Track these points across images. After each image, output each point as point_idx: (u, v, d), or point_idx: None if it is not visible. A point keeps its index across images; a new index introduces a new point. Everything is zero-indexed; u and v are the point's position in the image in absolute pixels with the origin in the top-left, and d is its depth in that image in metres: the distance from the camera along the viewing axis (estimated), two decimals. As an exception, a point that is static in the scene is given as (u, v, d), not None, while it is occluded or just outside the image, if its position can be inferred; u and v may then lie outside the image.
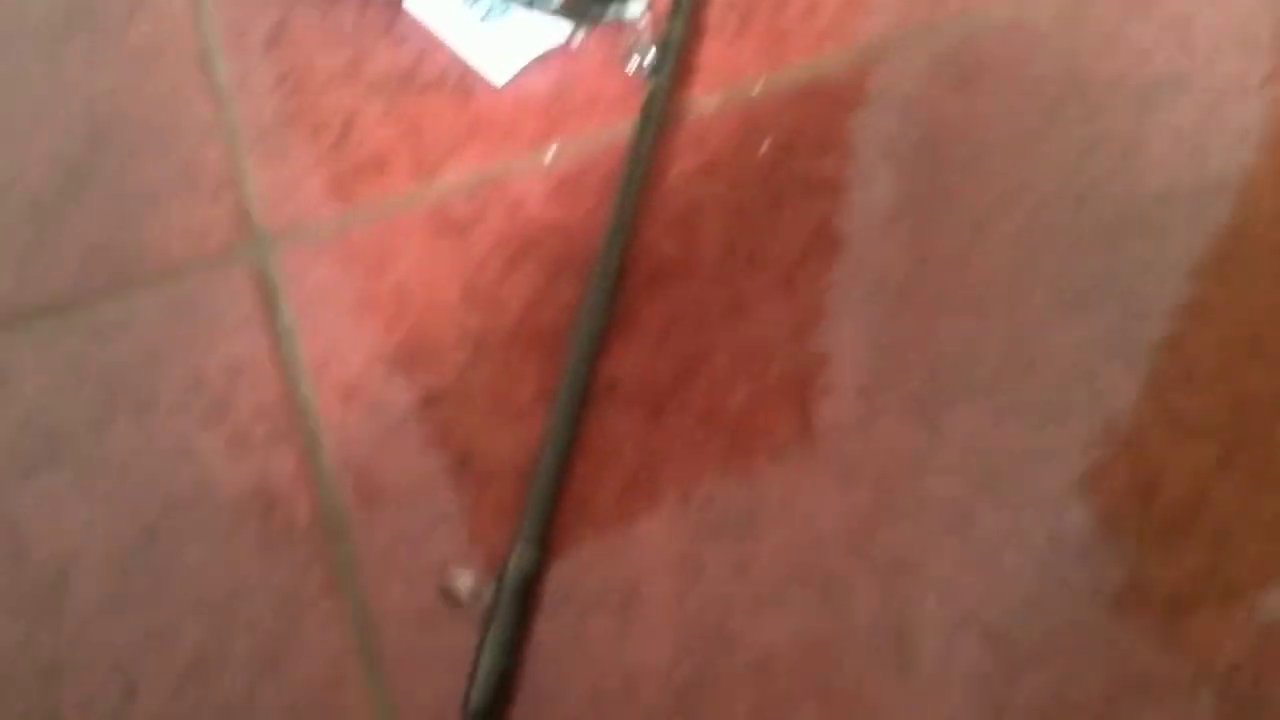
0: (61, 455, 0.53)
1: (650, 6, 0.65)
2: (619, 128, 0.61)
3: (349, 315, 0.56)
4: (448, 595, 0.46)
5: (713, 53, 0.64)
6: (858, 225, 0.57)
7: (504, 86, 0.64)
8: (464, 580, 0.46)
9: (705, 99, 0.62)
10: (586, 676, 0.46)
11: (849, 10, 0.65)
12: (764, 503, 0.49)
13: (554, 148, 0.61)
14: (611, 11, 0.65)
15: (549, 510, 0.48)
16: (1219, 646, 0.46)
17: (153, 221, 0.60)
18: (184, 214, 0.60)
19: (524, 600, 0.47)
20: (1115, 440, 0.50)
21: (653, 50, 0.63)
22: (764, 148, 0.60)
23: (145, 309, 0.57)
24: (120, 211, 0.61)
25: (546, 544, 0.48)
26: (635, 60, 0.63)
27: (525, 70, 0.64)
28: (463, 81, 0.64)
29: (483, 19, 0.66)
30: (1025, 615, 0.46)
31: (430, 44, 0.66)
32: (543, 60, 0.64)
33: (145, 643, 0.47)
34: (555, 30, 0.65)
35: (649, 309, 0.55)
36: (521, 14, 0.66)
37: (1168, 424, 0.51)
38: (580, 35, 0.65)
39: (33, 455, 0.53)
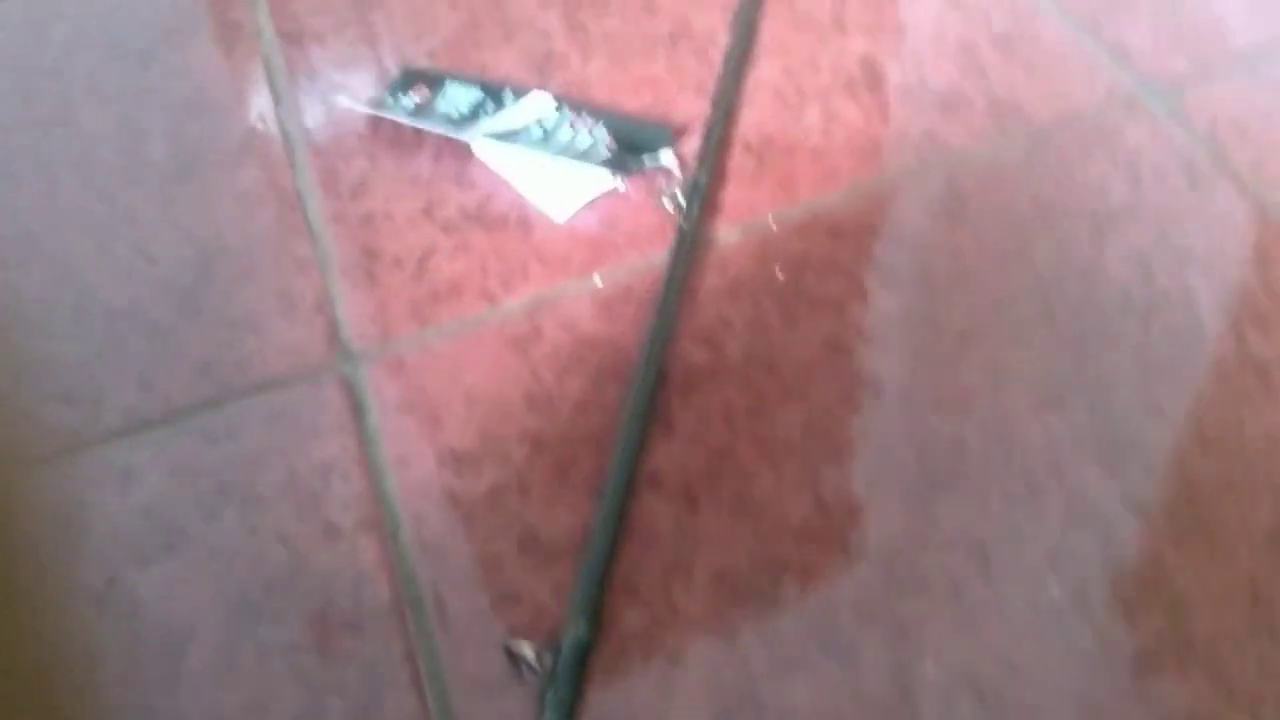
0: (177, 544, 0.56)
1: (679, 160, 0.70)
2: (656, 256, 0.65)
3: (426, 419, 0.60)
4: (512, 664, 0.49)
5: (734, 192, 0.69)
6: (860, 337, 0.61)
7: (561, 221, 0.68)
8: (527, 650, 0.49)
9: (728, 231, 0.67)
10: (635, 735, 0.48)
11: (850, 155, 0.70)
12: (786, 577, 0.52)
13: (601, 273, 0.65)
14: (646, 161, 0.70)
15: (600, 588, 0.51)
16: (1178, 698, 0.48)
17: (255, 341, 0.65)
18: (282, 334, 0.65)
19: (579, 669, 0.49)
20: (1084, 522, 0.53)
21: (682, 192, 0.68)
22: (779, 273, 0.64)
23: (249, 416, 0.61)
24: (226, 333, 0.65)
25: (598, 618, 0.51)
26: (669, 200, 0.68)
27: (579, 208, 0.69)
28: (523, 218, 0.69)
29: (541, 167, 0.71)
30: (1012, 675, 0.49)
31: (496, 185, 0.71)
32: (594, 200, 0.69)
33: (248, 711, 0.50)
34: (603, 176, 0.70)
35: (684, 410, 0.58)
36: (574, 164, 0.71)
37: (1130, 507, 0.54)
38: (623, 180, 0.70)
39: (152, 544, 0.56)
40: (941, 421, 0.57)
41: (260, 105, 0.79)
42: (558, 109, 0.74)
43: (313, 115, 0.78)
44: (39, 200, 0.75)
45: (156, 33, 0.87)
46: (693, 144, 0.72)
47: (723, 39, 0.79)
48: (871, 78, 0.75)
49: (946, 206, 0.67)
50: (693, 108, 0.74)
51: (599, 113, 0.74)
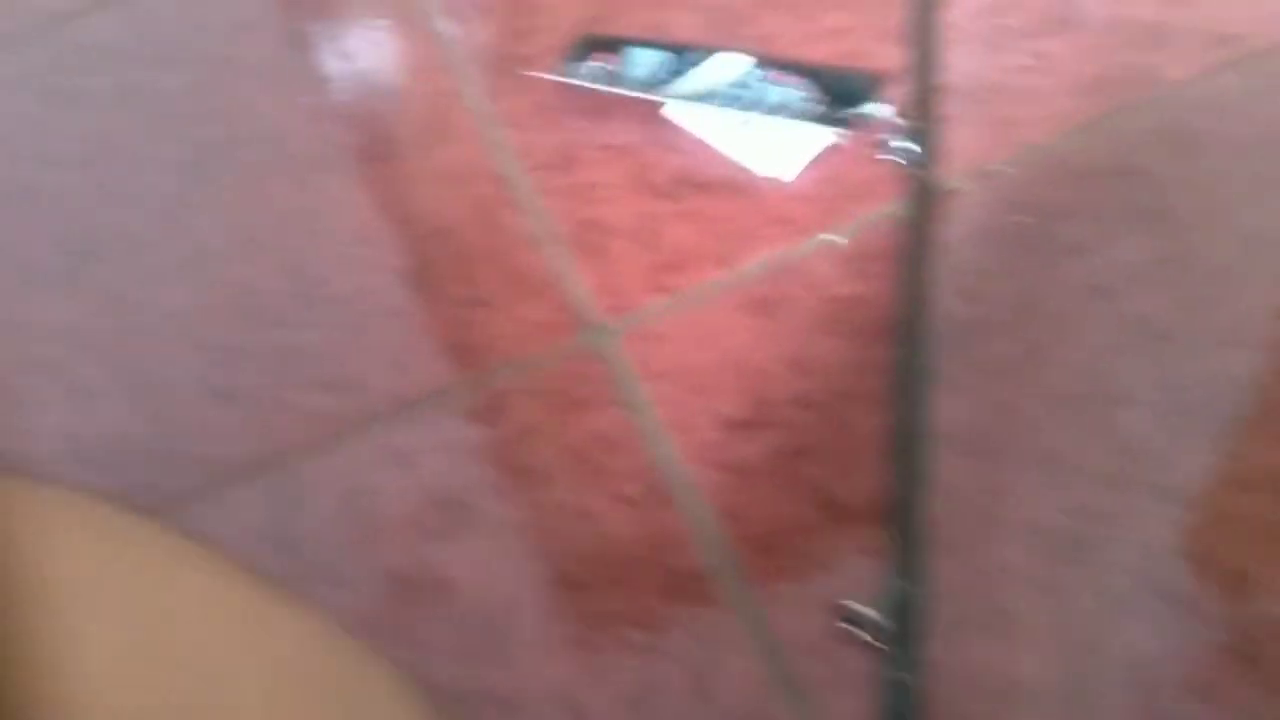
0: (473, 520, 0.56)
1: (893, 108, 0.69)
2: (889, 209, 0.65)
3: (692, 389, 0.59)
4: (850, 625, 0.49)
5: (957, 138, 0.68)
6: (1121, 279, 0.60)
7: (777, 179, 0.68)
8: (862, 612, 0.50)
9: (959, 178, 0.66)
10: (981, 692, 0.48)
11: (1067, 95, 0.69)
12: (1100, 525, 0.52)
13: (836, 230, 0.65)
14: (862, 111, 0.69)
15: (922, 548, 0.51)
16: None
17: (496, 318, 0.64)
18: (522, 311, 0.64)
19: (918, 628, 0.49)
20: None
21: (907, 141, 0.67)
22: (1023, 219, 0.63)
23: (510, 393, 0.61)
24: (465, 312, 0.65)
25: (924, 578, 0.51)
26: (894, 150, 0.67)
27: (796, 165, 0.68)
28: (741, 180, 0.68)
29: (744, 125, 0.71)
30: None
31: (701, 148, 0.70)
32: (809, 157, 0.69)
33: (589, 681, 0.51)
34: (821, 132, 0.69)
35: (956, 365, 0.58)
36: (790, 122, 0.70)
37: None
38: (842, 133, 0.69)
39: (448, 523, 0.57)
40: (1229, 358, 0.57)
41: (442, 84, 0.79)
42: (753, 64, 0.73)
43: (497, 88, 0.77)
44: (242, 193, 0.75)
45: (318, 11, 0.87)
46: (900, 92, 0.71)
47: (906, -17, 0.78)
48: (1076, 14, 0.73)
49: (1177, 142, 0.66)
50: (889, 54, 0.73)
51: (797, 67, 0.73)
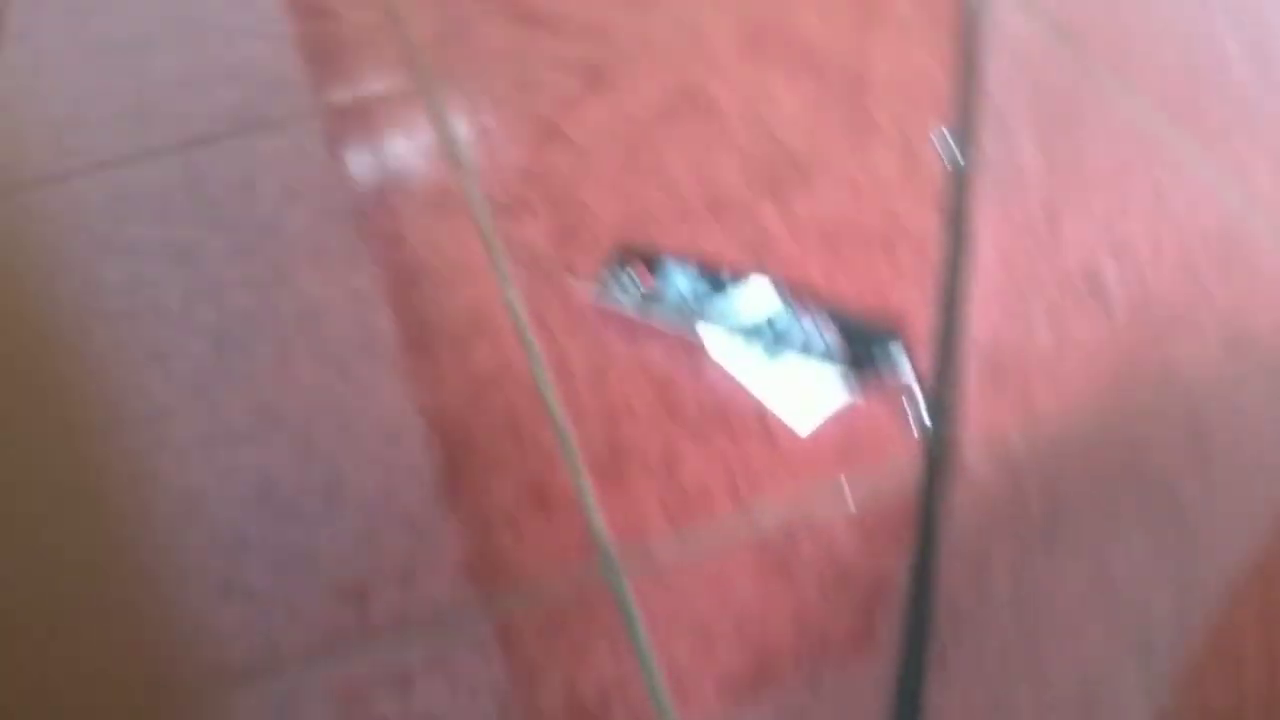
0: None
1: (913, 367, 0.72)
2: (904, 473, 0.67)
3: (699, 640, 0.60)
4: None
5: (974, 408, 0.70)
6: (1127, 581, 0.62)
7: (802, 428, 0.70)
8: None
9: (974, 451, 0.68)
10: None
11: (1085, 376, 0.72)
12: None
13: (851, 490, 0.67)
14: (882, 368, 0.72)
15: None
16: None
17: (512, 539, 0.66)
18: (539, 534, 0.66)
19: None
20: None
21: (924, 406, 0.70)
22: (1031, 499, 0.65)
23: (519, 625, 0.62)
24: (483, 528, 0.66)
25: None
26: (910, 414, 0.69)
27: (820, 415, 0.71)
28: (764, 423, 0.70)
29: (769, 369, 0.73)
30: None
31: (730, 384, 0.73)
32: (832, 407, 0.71)
33: None
34: (843, 385, 0.72)
35: (957, 648, 0.59)
36: (811, 368, 0.73)
37: None
38: (861, 388, 0.71)
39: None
40: (1221, 689, 0.58)
41: (483, 279, 0.81)
42: (783, 302, 0.76)
43: (537, 292, 0.80)
44: (272, 369, 0.77)
45: (365, 192, 0.90)
46: (922, 349, 0.74)
47: (934, 232, 0.81)
48: (1096, 289, 0.77)
49: (1191, 442, 0.68)
50: (916, 308, 0.76)
51: (824, 307, 0.76)
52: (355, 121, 0.98)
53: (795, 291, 0.77)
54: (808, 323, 0.75)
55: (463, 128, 0.95)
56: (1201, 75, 0.91)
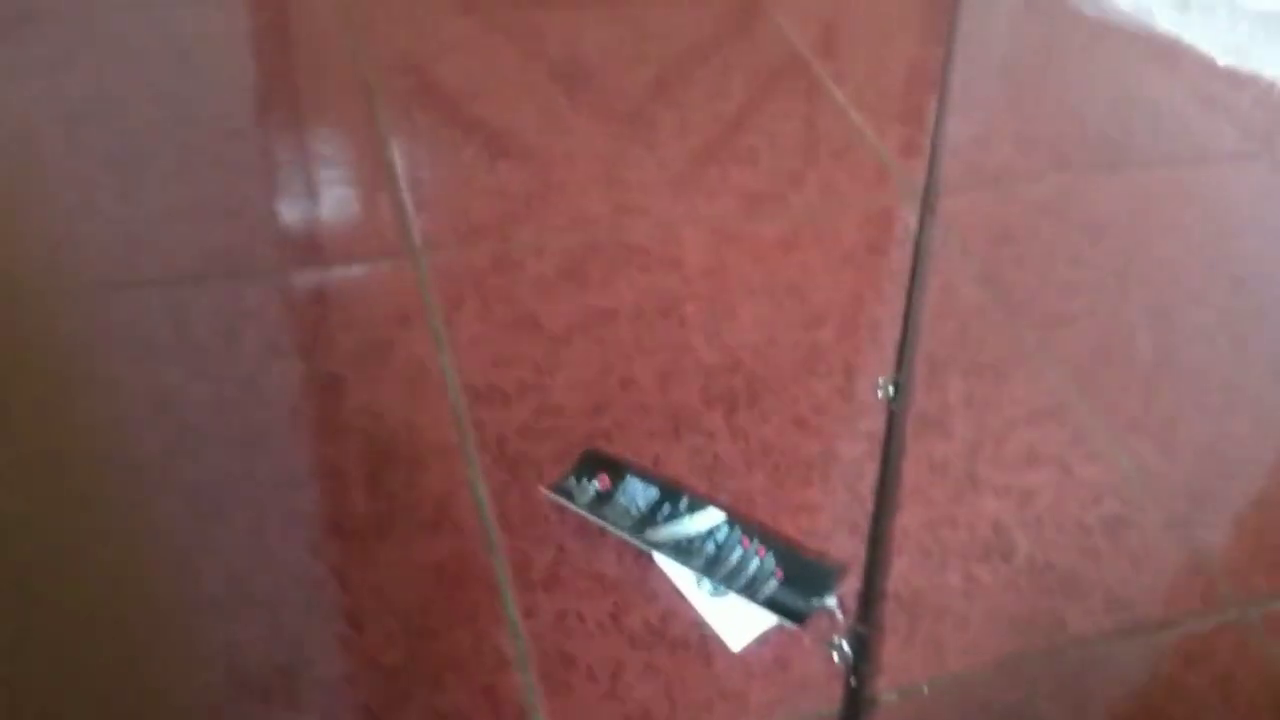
0: None
1: (840, 604, 0.80)
2: (827, 707, 0.74)
3: None
4: None
5: (890, 649, 0.78)
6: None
7: (738, 651, 0.77)
8: None
9: (888, 692, 0.76)
10: None
11: (990, 628, 0.81)
12: None
13: (775, 715, 0.74)
14: (814, 603, 0.80)
15: None
16: None
17: (463, 740, 0.71)
18: (488, 737, 0.71)
19: None
20: None
21: (847, 643, 0.78)
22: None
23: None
24: (437, 725, 0.71)
25: None
26: (835, 649, 0.77)
27: (754, 639, 0.78)
28: (703, 641, 0.77)
29: (711, 594, 0.80)
30: None
31: (675, 599, 0.80)
32: (766, 633, 0.78)
33: None
34: (776, 611, 0.79)
35: None
36: (745, 587, 0.80)
37: None
38: (792, 617, 0.79)
39: None
40: None
41: (453, 463, 0.87)
42: (729, 526, 0.84)
43: (502, 485, 0.86)
44: (245, 538, 0.81)
45: (345, 357, 0.96)
46: (851, 585, 0.81)
47: (869, 471, 0.90)
48: (1004, 545, 0.86)
49: (1072, 700, 0.77)
50: (847, 544, 0.85)
51: (767, 537, 0.84)
52: (341, 282, 1.03)
53: (741, 518, 0.85)
54: (750, 549, 0.83)
55: (441, 303, 1.01)
56: (1113, 356, 1.04)
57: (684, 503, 0.85)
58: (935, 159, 1.23)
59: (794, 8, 1.50)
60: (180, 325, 0.97)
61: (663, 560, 0.82)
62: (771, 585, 0.80)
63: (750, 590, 0.80)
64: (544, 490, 0.85)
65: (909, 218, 1.15)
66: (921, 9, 1.58)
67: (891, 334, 1.02)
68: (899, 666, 0.78)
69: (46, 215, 1.07)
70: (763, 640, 0.78)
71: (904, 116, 1.33)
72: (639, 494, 0.86)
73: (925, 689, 0.77)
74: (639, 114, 1.28)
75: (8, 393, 0.91)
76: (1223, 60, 1.42)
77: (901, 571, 0.84)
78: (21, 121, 1.19)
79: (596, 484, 0.86)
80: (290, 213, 1.11)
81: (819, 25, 1.48)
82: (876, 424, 0.94)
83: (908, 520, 0.87)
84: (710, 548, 0.83)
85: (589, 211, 1.14)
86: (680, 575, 0.81)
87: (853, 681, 0.75)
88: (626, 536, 0.83)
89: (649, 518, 0.84)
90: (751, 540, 0.83)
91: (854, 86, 1.35)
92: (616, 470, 0.87)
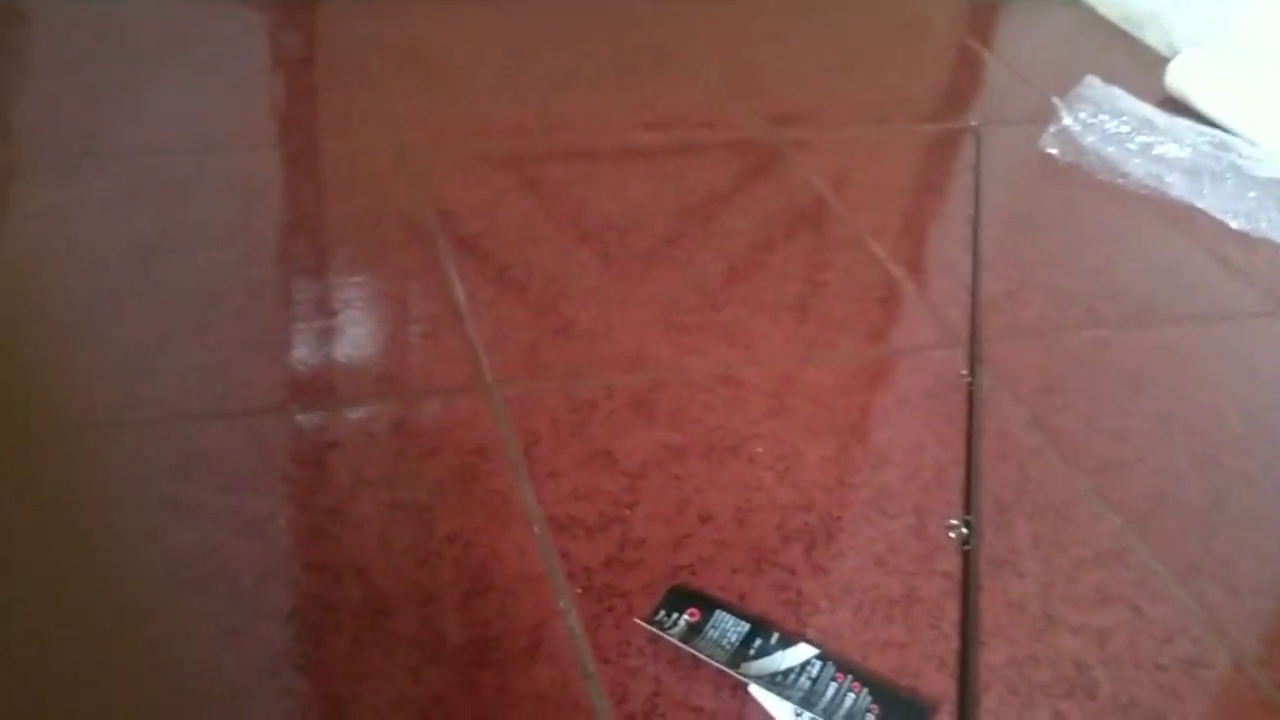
0: None
1: (940, 736, 0.83)
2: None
3: None
4: None
5: (990, 785, 0.81)
6: None
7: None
8: None
9: (992, 828, 0.79)
10: None
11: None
12: None
13: None
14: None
15: None
16: None
17: None
18: None
19: None
20: None
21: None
22: None
23: None
24: None
25: None
26: (937, 785, 0.80)
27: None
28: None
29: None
30: None
31: (772, 734, 0.83)
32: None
33: None
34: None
35: None
36: (842, 722, 0.83)
37: None
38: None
39: None
40: None
41: (543, 593, 0.91)
42: (822, 661, 0.87)
43: (595, 618, 0.89)
44: (346, 663, 0.83)
45: (431, 486, 1.00)
46: (941, 721, 0.85)
47: (950, 609, 0.95)
48: (1087, 682, 0.90)
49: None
50: (935, 680, 0.88)
51: (859, 673, 0.87)
52: (419, 415, 1.08)
53: (832, 654, 0.88)
54: (844, 684, 0.86)
55: (518, 437, 1.06)
56: (1167, 500, 1.10)
57: (775, 638, 0.89)
58: (976, 310, 1.32)
59: (812, 164, 1.62)
60: (265, 455, 1.01)
61: (759, 693, 0.85)
62: (867, 717, 0.84)
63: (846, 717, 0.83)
64: (639, 621, 0.89)
65: (957, 364, 1.23)
66: (931, 167, 1.71)
67: (954, 475, 1.08)
68: (1000, 803, 0.80)
69: (123, 347, 1.12)
70: (865, 775, 0.81)
71: (939, 268, 1.42)
72: (730, 628, 0.89)
73: (1028, 825, 0.79)
74: (689, 261, 1.37)
75: (93, 522, 0.94)
76: (1235, 224, 1.54)
77: (991, 708, 0.87)
78: (92, 255, 1.25)
79: (687, 617, 0.90)
80: (363, 348, 1.17)
81: (843, 180, 1.60)
82: (951, 563, 0.99)
83: (992, 657, 0.91)
84: (804, 682, 0.86)
85: (651, 352, 1.20)
86: (778, 709, 0.84)
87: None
88: (723, 668, 0.86)
89: (741, 651, 0.88)
90: (845, 675, 0.87)
91: (890, 240, 1.46)
92: (705, 604, 0.91)
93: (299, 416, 1.06)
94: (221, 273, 1.24)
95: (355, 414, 1.07)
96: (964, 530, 1.00)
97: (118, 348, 1.12)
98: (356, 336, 1.18)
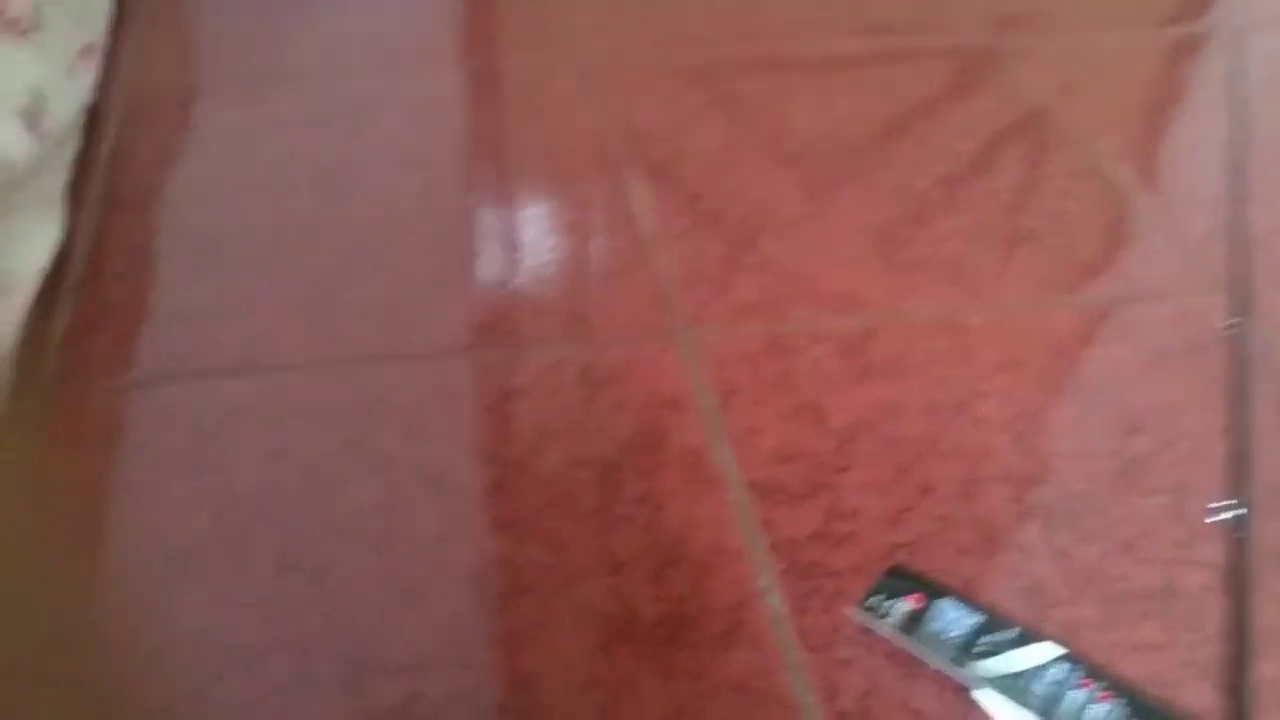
0: None
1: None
2: None
3: None
4: None
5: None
6: None
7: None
8: None
9: None
10: None
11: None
12: None
13: None
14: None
15: None
16: None
17: None
18: None
19: None
20: None
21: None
22: None
23: None
24: None
25: None
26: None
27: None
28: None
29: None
30: None
31: (1004, 749, 0.73)
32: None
33: None
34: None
35: None
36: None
37: None
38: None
39: None
40: None
41: (741, 569, 0.83)
42: (1069, 664, 0.76)
43: (800, 600, 0.81)
44: (531, 630, 0.78)
45: (619, 442, 0.93)
46: (1208, 741, 0.73)
47: (1214, 608, 0.82)
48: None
49: None
50: (1200, 692, 0.76)
51: (1109, 679, 0.76)
52: (607, 361, 1.01)
53: (1083, 660, 0.77)
54: (1092, 691, 0.75)
55: (713, 387, 0.98)
56: None
57: (1015, 633, 0.78)
58: (1241, 248, 1.14)
59: (1039, 74, 1.43)
60: (448, 402, 0.96)
61: (986, 698, 0.75)
62: (1120, 735, 0.73)
63: (1098, 739, 0.72)
64: (851, 610, 0.80)
65: (1218, 313, 1.07)
66: (1177, 78, 1.50)
67: (1216, 447, 0.94)
68: None
69: (303, 282, 1.09)
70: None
71: (1192, 199, 1.24)
72: (955, 619, 0.79)
73: None
74: (903, 187, 1.23)
75: (280, 466, 0.91)
76: None
77: (1269, 727, 0.75)
78: (276, 178, 1.22)
79: (910, 604, 0.80)
80: (548, 286, 1.10)
81: (1075, 92, 1.41)
82: (1215, 553, 0.85)
83: (1268, 669, 0.78)
84: (1041, 687, 0.75)
85: (863, 292, 1.09)
86: (1006, 714, 0.74)
87: None
88: (939, 661, 0.76)
89: (968, 646, 0.78)
90: (1093, 681, 0.76)
91: (1131, 164, 1.28)
92: (929, 590, 0.81)
93: (482, 361, 1.00)
94: (402, 201, 1.19)
95: (539, 359, 1.00)
96: (1233, 514, 0.86)
97: (296, 283, 1.09)
98: (540, 274, 1.12)
